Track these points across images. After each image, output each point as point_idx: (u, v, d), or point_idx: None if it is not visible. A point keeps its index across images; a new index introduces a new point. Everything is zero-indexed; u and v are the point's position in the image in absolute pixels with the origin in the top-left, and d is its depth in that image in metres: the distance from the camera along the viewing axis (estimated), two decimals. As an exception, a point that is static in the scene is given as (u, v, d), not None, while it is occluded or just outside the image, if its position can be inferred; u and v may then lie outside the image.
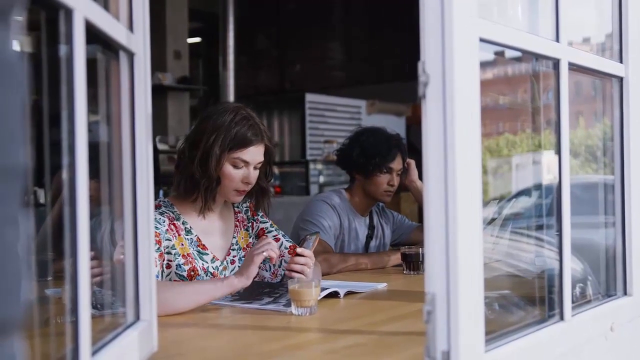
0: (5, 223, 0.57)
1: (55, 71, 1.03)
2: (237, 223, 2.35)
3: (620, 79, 1.81)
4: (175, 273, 2.13)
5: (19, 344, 0.60)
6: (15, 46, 0.61)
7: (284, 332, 1.70)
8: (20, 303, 0.59)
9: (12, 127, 0.58)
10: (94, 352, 1.10)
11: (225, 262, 2.26)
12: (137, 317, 1.37)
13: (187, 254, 2.16)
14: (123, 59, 1.33)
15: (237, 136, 2.13)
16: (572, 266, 1.56)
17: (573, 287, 1.60)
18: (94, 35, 1.10)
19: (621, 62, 1.81)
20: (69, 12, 0.99)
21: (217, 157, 2.13)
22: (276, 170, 7.70)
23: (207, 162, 2.13)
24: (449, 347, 1.16)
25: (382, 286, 2.33)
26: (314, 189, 7.31)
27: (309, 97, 8.12)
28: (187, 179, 2.18)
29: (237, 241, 2.32)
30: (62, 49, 1.01)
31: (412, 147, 5.47)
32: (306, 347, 1.58)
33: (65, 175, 1.01)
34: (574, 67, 1.57)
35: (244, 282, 1.95)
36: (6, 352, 0.57)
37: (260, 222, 2.40)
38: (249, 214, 2.40)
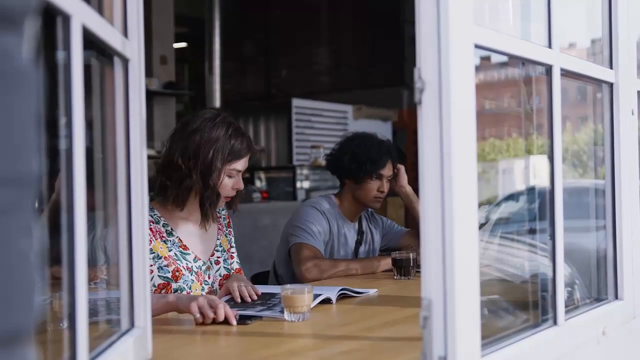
0: (20, 232, 0.57)
1: (52, 77, 1.02)
2: (220, 227, 2.43)
3: (611, 85, 1.83)
4: (159, 276, 2.17)
5: (32, 352, 0.60)
6: (28, 54, 0.61)
7: (278, 338, 1.70)
8: (34, 312, 0.59)
9: (25, 136, 0.58)
10: (91, 360, 1.09)
11: (209, 262, 2.32)
12: (132, 324, 1.36)
13: (169, 256, 2.20)
14: (117, 64, 1.33)
15: (233, 149, 2.24)
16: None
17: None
18: (89, 41, 1.10)
19: (611, 67, 1.82)
20: (66, 18, 0.99)
21: (219, 171, 2.22)
22: (263, 175, 7.69)
23: (208, 176, 2.21)
24: (446, 353, 1.16)
25: (373, 292, 2.33)
26: (300, 194, 7.30)
27: (296, 102, 8.10)
28: (185, 191, 2.23)
29: (220, 243, 2.40)
30: (59, 55, 1.01)
31: (399, 152, 5.47)
32: (301, 353, 1.57)
33: (62, 181, 1.00)
34: (565, 73, 1.58)
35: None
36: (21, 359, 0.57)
37: (232, 235, 2.49)
38: (225, 222, 2.47)
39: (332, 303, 2.09)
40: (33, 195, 0.60)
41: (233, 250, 2.47)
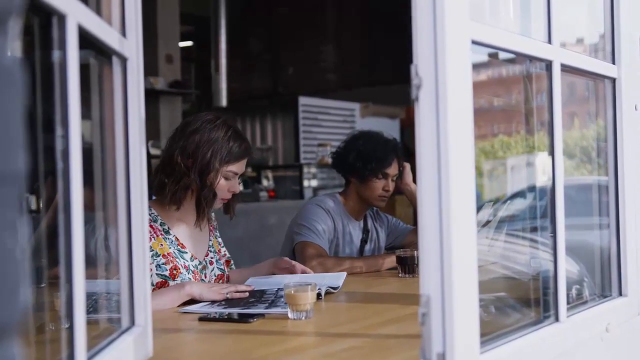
0: (5, 228, 0.57)
1: (49, 76, 1.02)
2: (211, 228, 2.48)
3: (613, 80, 1.82)
4: (157, 274, 2.21)
5: (18, 348, 0.60)
6: (13, 52, 0.61)
7: (281, 337, 1.70)
8: (19, 308, 0.59)
9: (11, 133, 0.58)
10: (89, 358, 1.09)
11: (204, 262, 2.37)
12: (132, 323, 1.37)
13: (168, 254, 2.25)
14: (116, 64, 1.33)
15: (232, 151, 2.28)
16: (568, 268, 1.56)
17: (569, 289, 1.60)
18: (86, 40, 1.10)
19: (614, 63, 1.81)
20: (62, 18, 0.99)
21: (216, 171, 2.25)
22: (270, 174, 7.69)
23: (206, 176, 2.25)
24: (444, 349, 1.16)
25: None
26: (308, 192, 7.30)
27: (302, 100, 8.10)
28: (183, 189, 2.26)
29: (212, 244, 2.45)
30: (55, 54, 1.01)
31: (406, 150, 5.47)
32: (303, 351, 1.57)
33: (59, 181, 1.01)
34: (566, 69, 1.58)
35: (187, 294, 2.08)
36: (6, 355, 0.57)
37: (219, 237, 2.54)
38: (215, 224, 2.53)
39: (321, 299, 2.09)
40: (19, 192, 0.61)
41: (224, 250, 2.52)
